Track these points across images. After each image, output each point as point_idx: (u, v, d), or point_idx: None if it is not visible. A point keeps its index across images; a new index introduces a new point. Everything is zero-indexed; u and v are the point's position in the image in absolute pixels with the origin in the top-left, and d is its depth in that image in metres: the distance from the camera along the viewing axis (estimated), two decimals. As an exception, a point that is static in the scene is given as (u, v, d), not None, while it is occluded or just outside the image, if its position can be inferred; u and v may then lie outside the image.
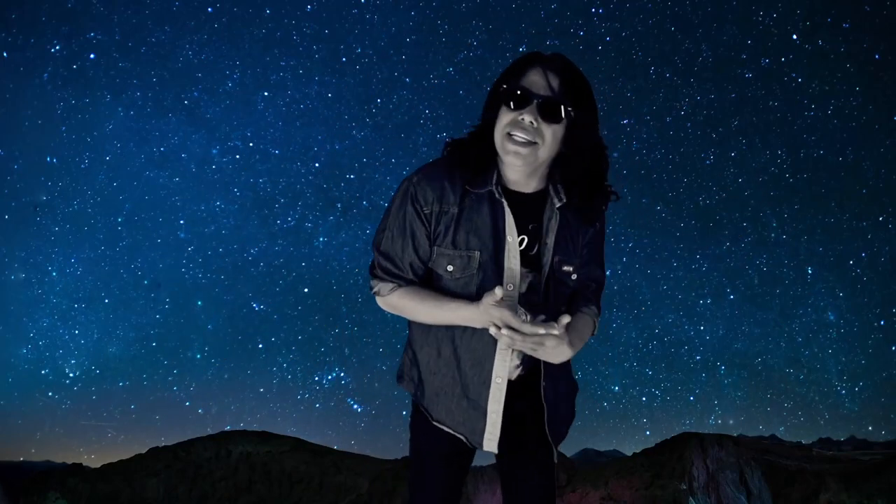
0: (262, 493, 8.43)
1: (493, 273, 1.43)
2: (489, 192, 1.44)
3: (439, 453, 1.57)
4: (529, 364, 1.51)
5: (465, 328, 1.46)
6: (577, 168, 1.43)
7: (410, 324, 1.59)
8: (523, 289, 1.46)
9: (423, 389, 1.55)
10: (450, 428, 1.52)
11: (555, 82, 1.35)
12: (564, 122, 1.37)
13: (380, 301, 1.54)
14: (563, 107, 1.35)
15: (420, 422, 1.59)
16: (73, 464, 8.65)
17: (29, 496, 7.96)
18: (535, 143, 1.36)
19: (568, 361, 1.60)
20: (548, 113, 1.35)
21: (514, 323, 1.30)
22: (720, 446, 7.35)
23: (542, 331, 1.29)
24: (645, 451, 7.91)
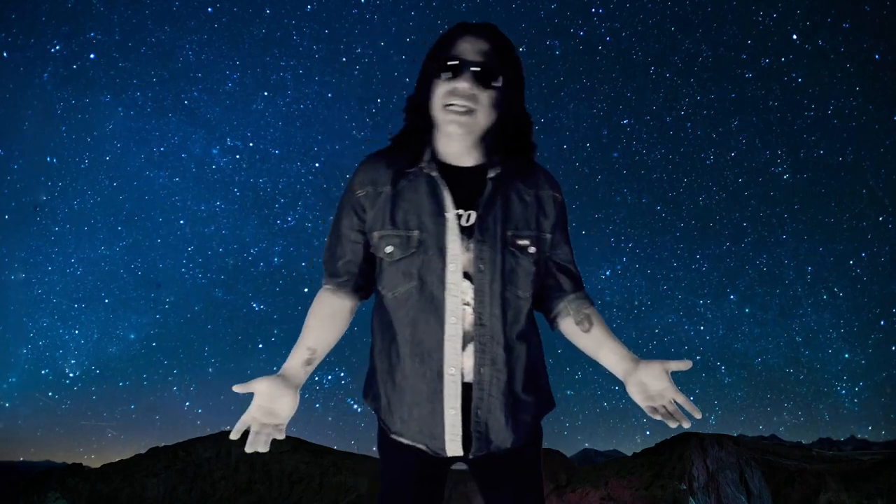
0: (262, 493, 8.43)
1: (434, 254, 1.37)
2: (421, 168, 1.41)
3: (408, 478, 1.45)
4: (488, 362, 1.40)
5: (409, 321, 1.39)
6: (510, 134, 1.42)
7: (371, 330, 1.52)
8: (471, 267, 1.39)
9: (379, 402, 1.46)
10: (408, 439, 1.42)
11: (486, 48, 1.35)
12: (499, 87, 1.36)
13: None
14: (496, 72, 1.35)
15: (383, 439, 1.49)
16: (73, 464, 8.64)
17: (29, 496, 7.95)
18: (474, 109, 1.35)
19: (542, 371, 1.52)
20: (483, 78, 1.34)
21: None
22: (720, 446, 7.34)
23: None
24: (645, 451, 7.91)
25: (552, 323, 1.56)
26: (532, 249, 1.44)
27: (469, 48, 1.35)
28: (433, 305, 1.37)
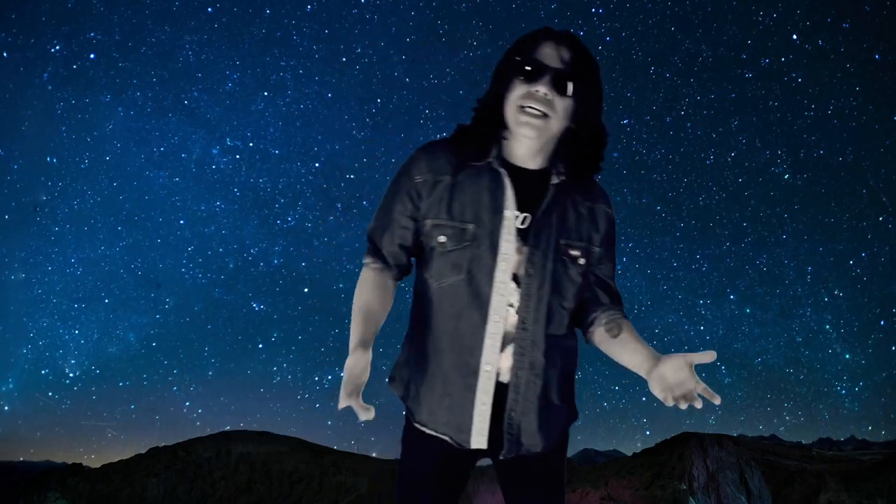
0: (262, 493, 8.43)
1: (486, 249, 1.37)
2: (488, 164, 1.41)
3: (426, 471, 1.46)
4: (527, 365, 1.42)
5: (453, 313, 1.40)
6: (581, 145, 1.42)
7: (410, 316, 1.52)
8: (521, 270, 1.40)
9: (408, 389, 1.46)
10: (432, 429, 1.43)
11: (567, 55, 1.35)
12: (574, 96, 1.36)
13: None
14: (574, 80, 1.35)
15: (408, 428, 1.50)
16: (73, 464, 8.64)
17: (29, 496, 7.95)
18: (548, 115, 1.34)
19: (573, 381, 1.54)
20: (561, 85, 1.34)
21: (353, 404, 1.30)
22: (720, 446, 7.35)
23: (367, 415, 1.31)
24: (645, 451, 7.91)
25: (586, 335, 1.57)
26: (582, 261, 1.46)
27: (551, 53, 1.35)
28: (478, 301, 1.38)
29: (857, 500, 6.75)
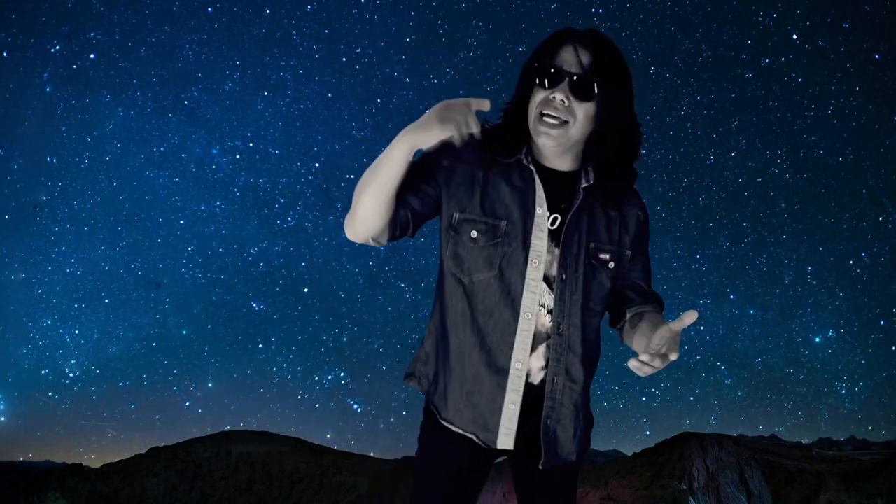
0: (262, 493, 8.43)
1: (518, 247, 1.35)
2: (519, 160, 1.38)
3: (446, 470, 1.42)
4: (563, 371, 1.40)
5: (483, 310, 1.36)
6: (610, 147, 1.38)
7: (432, 312, 1.48)
8: (552, 270, 1.38)
9: (436, 385, 1.43)
10: (458, 427, 1.40)
11: (586, 59, 1.30)
12: (596, 99, 1.31)
13: (347, 220, 1.35)
14: (594, 84, 1.29)
15: (429, 425, 1.46)
16: (73, 464, 8.63)
17: (29, 496, 7.95)
18: (567, 121, 1.31)
19: (587, 394, 1.49)
20: (579, 91, 1.29)
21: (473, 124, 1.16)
22: (720, 446, 7.34)
23: None
24: (645, 451, 7.90)
25: (620, 335, 1.54)
26: (612, 265, 1.44)
27: (570, 58, 1.30)
28: (510, 298, 1.36)
29: (857, 500, 6.74)
